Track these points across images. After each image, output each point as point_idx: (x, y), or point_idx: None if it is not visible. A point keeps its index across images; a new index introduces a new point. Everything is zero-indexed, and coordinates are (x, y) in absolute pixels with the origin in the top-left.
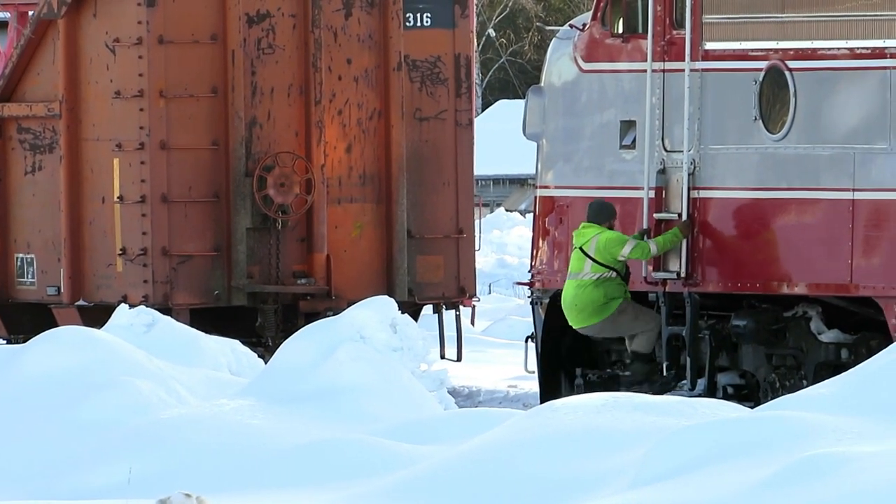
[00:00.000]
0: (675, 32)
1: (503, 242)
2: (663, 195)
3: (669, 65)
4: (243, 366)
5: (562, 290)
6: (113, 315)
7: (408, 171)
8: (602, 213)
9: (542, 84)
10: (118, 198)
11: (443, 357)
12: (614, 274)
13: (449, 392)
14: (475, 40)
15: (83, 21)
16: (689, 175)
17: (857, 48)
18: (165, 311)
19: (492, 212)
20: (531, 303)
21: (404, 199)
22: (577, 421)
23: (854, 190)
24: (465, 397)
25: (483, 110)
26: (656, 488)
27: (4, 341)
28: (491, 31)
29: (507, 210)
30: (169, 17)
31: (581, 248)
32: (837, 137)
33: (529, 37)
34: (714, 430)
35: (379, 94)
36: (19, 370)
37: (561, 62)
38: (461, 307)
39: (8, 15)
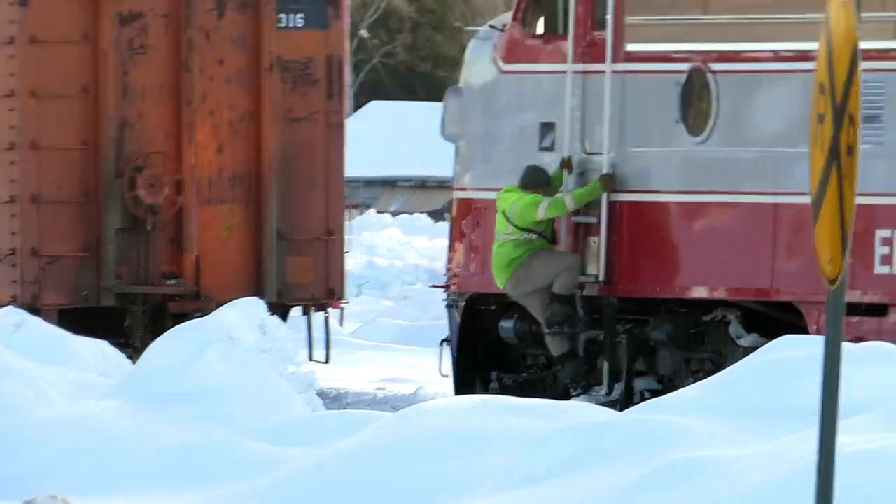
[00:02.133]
0: (596, 34)
1: (373, 244)
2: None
3: (590, 66)
4: (112, 367)
5: (479, 292)
6: None
7: (279, 172)
8: (535, 178)
9: (461, 85)
10: None
11: (311, 359)
12: (535, 236)
13: (317, 394)
14: (348, 41)
15: None
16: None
17: (781, 51)
18: (34, 311)
19: (362, 213)
20: (447, 306)
21: (275, 201)
22: (446, 423)
23: (776, 194)
24: (333, 399)
25: (355, 111)
26: (525, 491)
27: None
28: (363, 32)
29: (377, 212)
30: (41, 17)
31: (503, 213)
32: (760, 140)
33: (402, 38)
34: (583, 434)
35: (251, 94)
36: None
37: (480, 63)
38: (330, 309)
39: None
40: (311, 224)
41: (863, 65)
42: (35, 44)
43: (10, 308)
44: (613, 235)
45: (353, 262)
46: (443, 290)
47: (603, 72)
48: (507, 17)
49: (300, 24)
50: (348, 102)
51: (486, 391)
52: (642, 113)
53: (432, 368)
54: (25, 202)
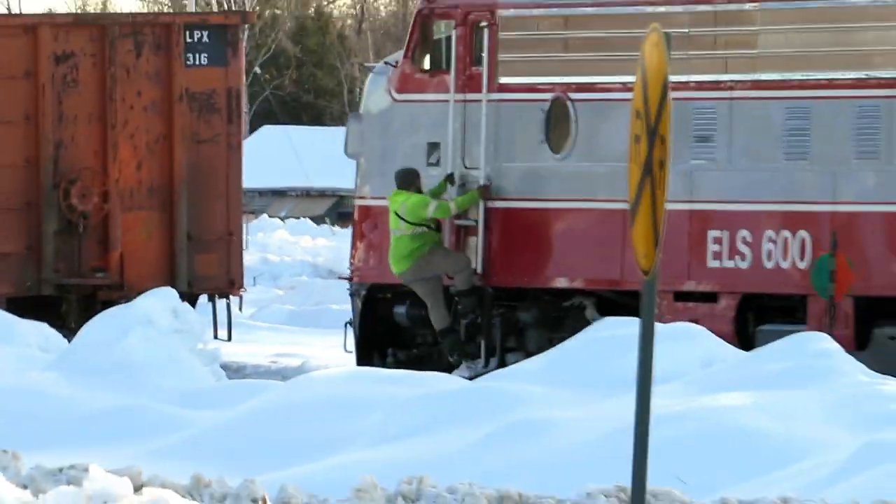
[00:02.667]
0: (473, 69)
1: (266, 243)
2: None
3: (469, 96)
4: (51, 345)
5: (376, 283)
6: None
7: (187, 184)
8: (406, 178)
9: (361, 111)
10: None
11: (216, 338)
12: (425, 229)
13: (221, 366)
14: (244, 76)
15: None
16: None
17: (629, 82)
18: None
19: (257, 218)
20: (350, 294)
21: (185, 208)
22: (328, 390)
23: (624, 202)
24: (235, 371)
25: (250, 134)
26: (392, 447)
27: None
28: (257, 69)
29: (269, 216)
30: None
31: (395, 212)
32: (611, 157)
33: (289, 73)
34: (439, 399)
35: (164, 120)
36: None
37: (377, 93)
38: (231, 296)
39: None
40: (214, 227)
41: (697, 94)
42: None
43: None
44: (489, 236)
45: (249, 258)
46: (347, 281)
47: (480, 100)
48: (398, 55)
49: (205, 63)
50: (245, 127)
51: (383, 365)
52: (513, 134)
53: (317, 345)
54: None
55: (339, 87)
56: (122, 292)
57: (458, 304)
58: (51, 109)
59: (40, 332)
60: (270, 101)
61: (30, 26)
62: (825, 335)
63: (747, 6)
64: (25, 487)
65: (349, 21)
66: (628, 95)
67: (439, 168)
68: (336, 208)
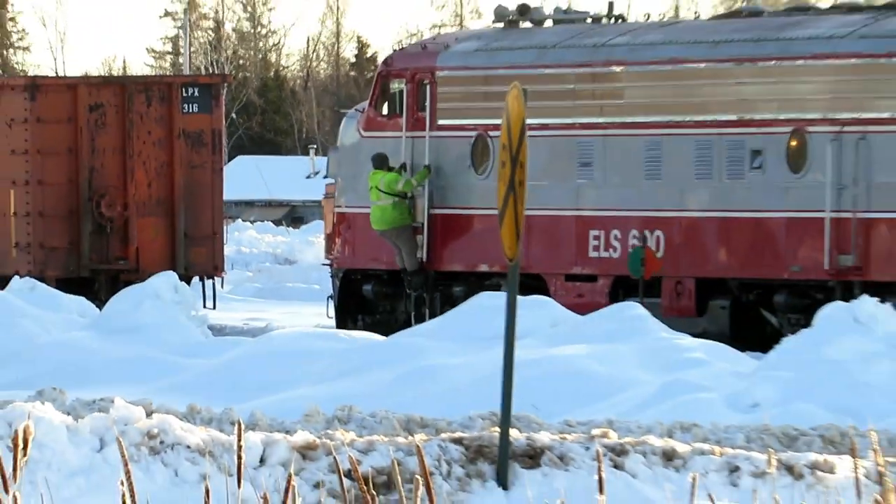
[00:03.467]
0: (419, 114)
1: (240, 239)
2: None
3: (416, 133)
4: (87, 312)
5: (350, 268)
6: (10, 282)
7: (184, 198)
8: (382, 161)
9: (338, 145)
10: (13, 213)
11: (204, 307)
12: (398, 199)
13: (208, 328)
14: (224, 120)
15: None
16: (428, 199)
17: (531, 124)
18: (41, 279)
19: (234, 221)
20: (331, 276)
21: (182, 215)
22: (285, 344)
23: (535, 209)
24: (218, 331)
25: (228, 162)
26: (330, 384)
27: None
28: (233, 115)
29: (242, 220)
30: (42, 107)
31: (376, 187)
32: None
33: (256, 118)
34: (366, 349)
35: (167, 152)
36: None
37: (349, 131)
38: (215, 277)
39: None
40: (203, 228)
41: (581, 132)
42: (40, 122)
43: (27, 278)
44: (431, 234)
45: (228, 250)
46: (329, 267)
47: (424, 136)
48: (364, 104)
49: (196, 111)
50: (224, 157)
51: (354, 327)
52: (448, 160)
53: (277, 312)
54: (35, 216)
55: (291, 129)
56: (137, 275)
57: (409, 281)
58: (86, 144)
59: (79, 303)
60: (242, 138)
61: (71, 85)
62: (638, 304)
63: (616, 68)
64: (68, 414)
65: (298, 80)
66: (532, 133)
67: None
68: (290, 214)
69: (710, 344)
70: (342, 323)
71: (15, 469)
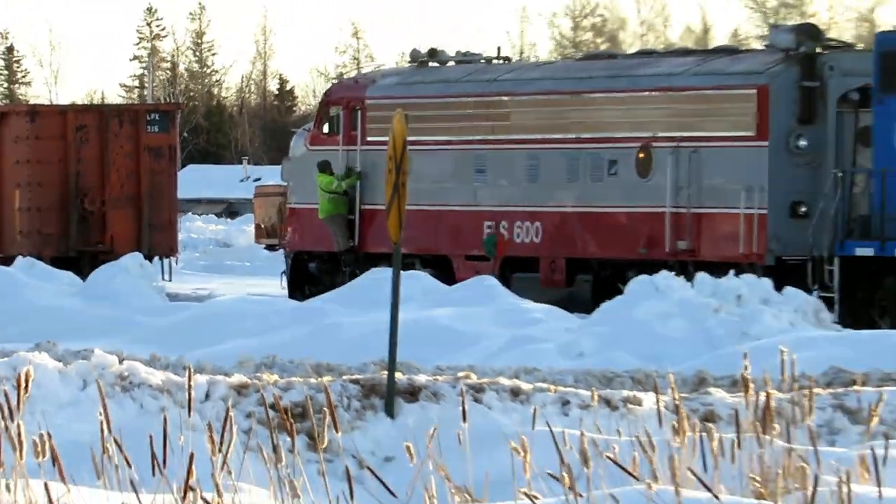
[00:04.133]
0: (352, 132)
1: (189, 228)
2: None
3: (350, 147)
4: (74, 283)
5: (299, 250)
6: (15, 261)
7: (148, 196)
8: (325, 167)
9: (290, 156)
10: (18, 208)
11: (163, 279)
12: (335, 195)
13: (166, 295)
14: (178, 138)
15: (3, 129)
16: (358, 197)
17: (438, 139)
18: (39, 258)
19: (185, 214)
20: (285, 256)
21: (146, 209)
22: (224, 307)
23: (437, 205)
24: (173, 297)
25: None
26: (258, 338)
27: None
28: (185, 134)
29: (192, 214)
30: (40, 127)
31: (320, 186)
32: (429, 180)
33: (202, 136)
34: (287, 311)
35: (135, 162)
36: None
37: (298, 145)
38: (171, 257)
39: None
40: (163, 219)
41: (478, 146)
42: (38, 139)
43: (28, 258)
44: (362, 224)
45: (181, 236)
46: (283, 249)
47: (356, 150)
48: (311, 123)
49: (157, 131)
50: (178, 165)
51: (303, 298)
52: (374, 168)
53: (218, 283)
54: (34, 210)
55: (229, 144)
56: (112, 255)
57: (343, 260)
58: (73, 156)
59: (68, 276)
60: (192, 152)
61: (62, 111)
62: (493, 277)
63: (504, 98)
64: (59, 361)
65: (234, 108)
66: (437, 147)
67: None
68: (228, 209)
69: (547, 307)
70: (293, 293)
71: (19, 403)
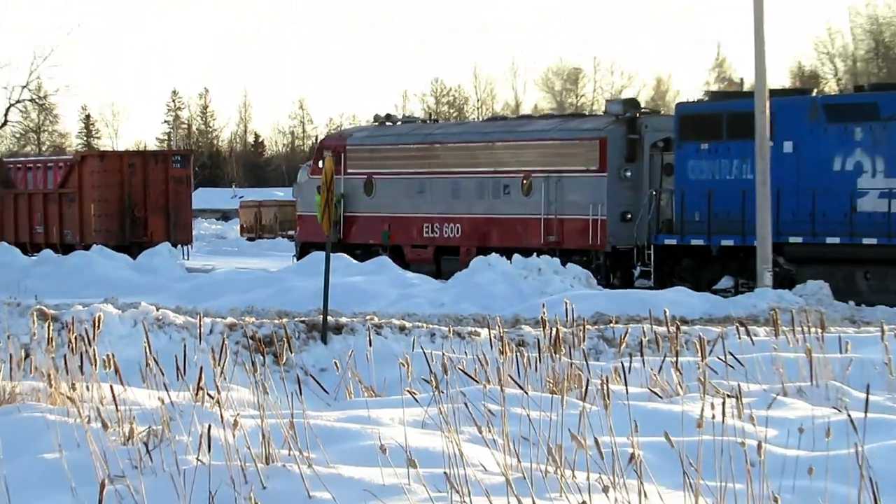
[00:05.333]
0: (338, 167)
1: (199, 227)
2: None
3: (336, 177)
4: (128, 263)
5: (305, 241)
6: (91, 247)
7: (173, 208)
8: (320, 189)
9: (297, 182)
10: (93, 214)
11: (183, 259)
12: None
13: (186, 269)
14: (192, 171)
15: (84, 165)
16: (342, 209)
17: (398, 171)
18: (106, 245)
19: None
20: (295, 245)
21: (172, 215)
22: (223, 276)
23: (391, 215)
24: (189, 270)
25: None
26: (243, 296)
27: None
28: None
29: (201, 218)
30: (106, 164)
31: (315, 203)
32: (389, 198)
33: (206, 170)
34: (258, 278)
35: (165, 185)
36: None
37: (303, 175)
38: (189, 245)
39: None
40: (183, 221)
41: (421, 176)
42: (105, 172)
43: (99, 246)
44: (345, 225)
45: (194, 232)
46: (294, 240)
47: (340, 178)
48: (310, 162)
49: (179, 166)
50: (192, 188)
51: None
52: (353, 190)
53: (218, 262)
54: (103, 215)
55: (224, 175)
56: (151, 244)
57: (333, 247)
58: (126, 182)
59: (124, 257)
60: (201, 180)
61: (119, 154)
62: (387, 258)
63: (437, 145)
64: (119, 310)
65: (226, 153)
66: (391, 177)
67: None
68: (224, 216)
69: (421, 276)
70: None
71: (94, 335)
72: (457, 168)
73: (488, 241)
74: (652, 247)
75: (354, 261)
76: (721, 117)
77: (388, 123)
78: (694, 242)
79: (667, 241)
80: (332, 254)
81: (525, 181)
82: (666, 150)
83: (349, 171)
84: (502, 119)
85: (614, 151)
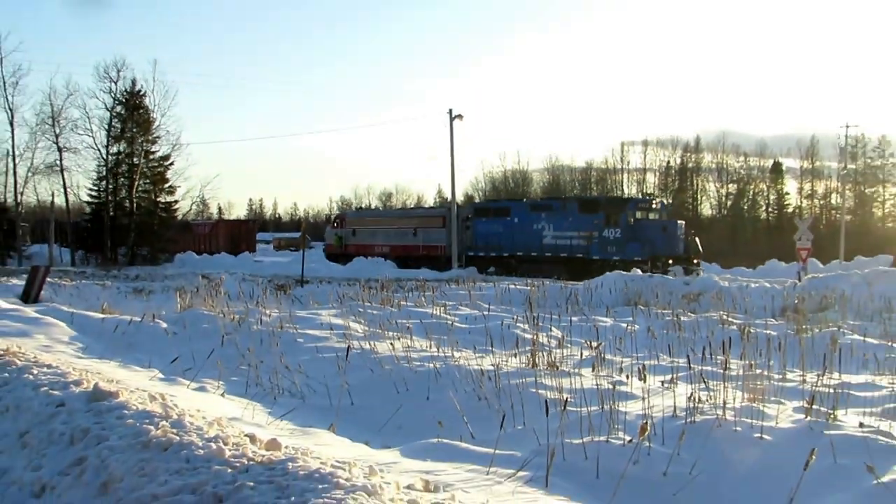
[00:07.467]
0: (343, 227)
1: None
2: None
3: (341, 230)
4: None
5: (330, 252)
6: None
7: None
8: (332, 235)
9: (326, 231)
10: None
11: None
12: (338, 240)
13: (254, 261)
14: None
15: (219, 224)
16: (345, 241)
17: (371, 228)
18: None
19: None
20: (325, 256)
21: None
22: (268, 262)
23: (370, 244)
24: (257, 262)
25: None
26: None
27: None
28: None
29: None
30: (226, 225)
31: (332, 240)
32: (368, 239)
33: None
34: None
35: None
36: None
37: (328, 229)
38: (253, 253)
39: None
40: (251, 245)
41: (381, 227)
42: (216, 226)
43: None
44: (345, 247)
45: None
46: (324, 250)
47: (343, 230)
48: (332, 223)
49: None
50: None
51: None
52: (348, 234)
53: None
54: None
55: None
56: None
57: (337, 257)
58: (235, 229)
59: (231, 257)
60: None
61: (219, 221)
62: (361, 257)
63: (389, 217)
64: (230, 274)
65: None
66: (364, 228)
67: (338, 234)
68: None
69: (342, 266)
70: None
71: (221, 283)
72: (388, 226)
73: (398, 253)
74: (465, 255)
75: (325, 260)
76: (489, 208)
77: (366, 209)
78: (481, 253)
79: (470, 253)
80: (328, 259)
81: (414, 230)
82: (467, 219)
83: (346, 226)
84: (403, 207)
85: (448, 219)
